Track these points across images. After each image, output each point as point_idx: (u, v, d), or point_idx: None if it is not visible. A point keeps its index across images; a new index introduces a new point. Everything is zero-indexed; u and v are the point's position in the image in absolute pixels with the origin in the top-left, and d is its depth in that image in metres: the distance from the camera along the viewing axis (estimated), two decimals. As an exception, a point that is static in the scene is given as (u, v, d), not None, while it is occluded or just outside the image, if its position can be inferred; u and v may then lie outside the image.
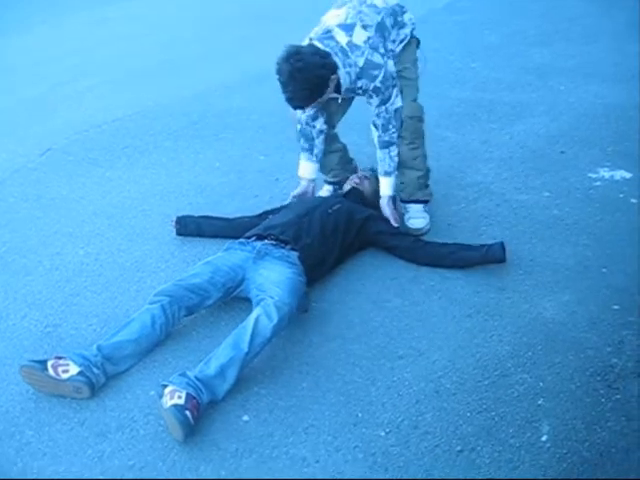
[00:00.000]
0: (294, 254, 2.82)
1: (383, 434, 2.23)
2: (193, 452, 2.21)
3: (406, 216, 3.32)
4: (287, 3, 7.56)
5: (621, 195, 3.48)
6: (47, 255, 3.32)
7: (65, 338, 2.74)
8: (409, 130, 3.15)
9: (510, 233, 3.23)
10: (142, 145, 4.44)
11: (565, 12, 7.00)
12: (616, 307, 2.70)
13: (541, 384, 2.37)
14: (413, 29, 3.18)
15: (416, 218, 3.30)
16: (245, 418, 2.32)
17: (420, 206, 3.34)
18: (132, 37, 7.33)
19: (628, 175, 3.65)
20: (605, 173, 3.70)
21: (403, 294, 2.87)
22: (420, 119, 3.19)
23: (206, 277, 2.72)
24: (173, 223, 3.34)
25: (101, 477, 2.15)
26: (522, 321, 2.67)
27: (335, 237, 2.98)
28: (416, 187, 3.30)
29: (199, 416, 2.28)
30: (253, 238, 2.93)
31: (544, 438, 2.17)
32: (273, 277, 2.68)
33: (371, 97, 3.03)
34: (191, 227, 3.33)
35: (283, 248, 2.84)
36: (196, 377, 2.31)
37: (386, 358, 2.54)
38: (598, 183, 3.61)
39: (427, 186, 3.35)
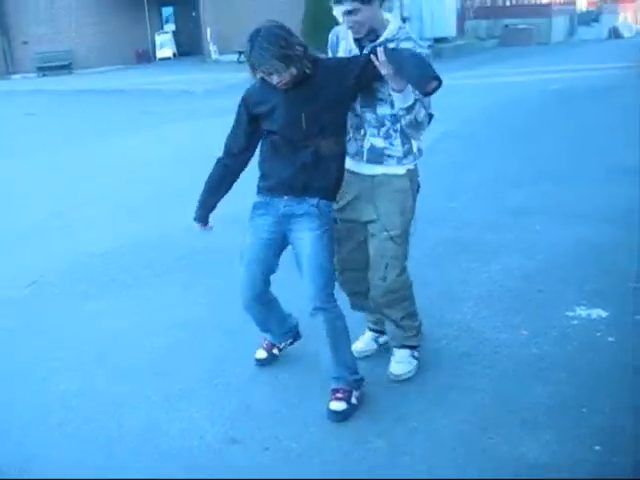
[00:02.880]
0: (313, 203, 2.88)
1: None
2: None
3: (392, 358, 3.30)
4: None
5: (598, 334, 3.55)
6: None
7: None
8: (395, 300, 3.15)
9: (491, 372, 3.26)
10: (129, 279, 4.51)
11: (541, 152, 7.38)
12: (597, 448, 2.70)
13: (525, 530, 2.34)
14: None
15: (400, 363, 3.26)
16: None
17: (407, 351, 3.28)
18: (122, 171, 7.64)
19: (604, 314, 3.73)
20: (582, 312, 3.78)
21: (385, 434, 2.85)
22: (404, 289, 3.16)
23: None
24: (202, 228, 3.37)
25: None
26: (503, 463, 2.65)
27: (330, 140, 2.87)
28: (403, 338, 3.27)
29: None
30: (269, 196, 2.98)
31: None
32: (306, 254, 2.88)
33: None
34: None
35: (303, 201, 2.89)
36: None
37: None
38: (575, 322, 3.68)
39: (413, 336, 3.28)
